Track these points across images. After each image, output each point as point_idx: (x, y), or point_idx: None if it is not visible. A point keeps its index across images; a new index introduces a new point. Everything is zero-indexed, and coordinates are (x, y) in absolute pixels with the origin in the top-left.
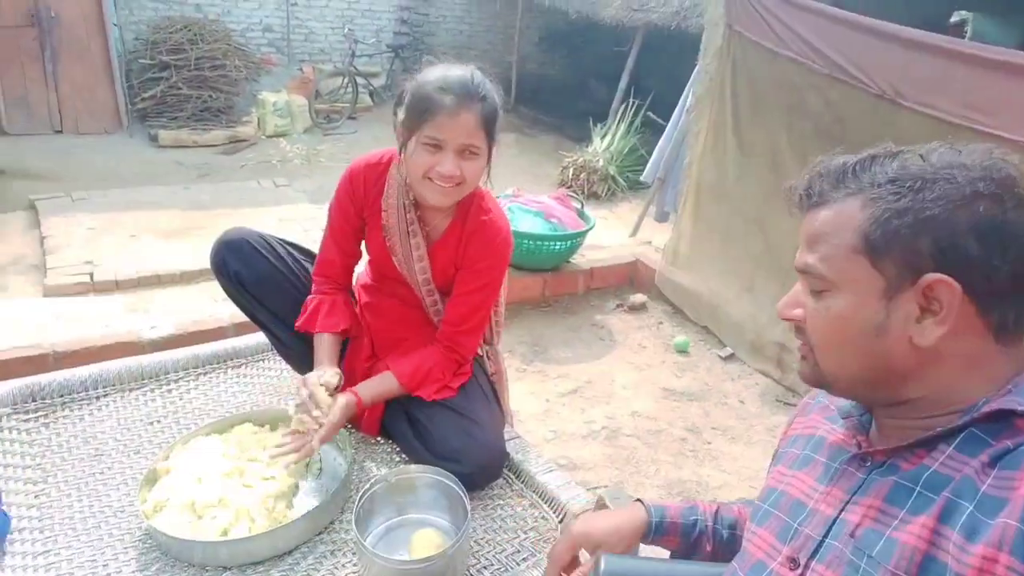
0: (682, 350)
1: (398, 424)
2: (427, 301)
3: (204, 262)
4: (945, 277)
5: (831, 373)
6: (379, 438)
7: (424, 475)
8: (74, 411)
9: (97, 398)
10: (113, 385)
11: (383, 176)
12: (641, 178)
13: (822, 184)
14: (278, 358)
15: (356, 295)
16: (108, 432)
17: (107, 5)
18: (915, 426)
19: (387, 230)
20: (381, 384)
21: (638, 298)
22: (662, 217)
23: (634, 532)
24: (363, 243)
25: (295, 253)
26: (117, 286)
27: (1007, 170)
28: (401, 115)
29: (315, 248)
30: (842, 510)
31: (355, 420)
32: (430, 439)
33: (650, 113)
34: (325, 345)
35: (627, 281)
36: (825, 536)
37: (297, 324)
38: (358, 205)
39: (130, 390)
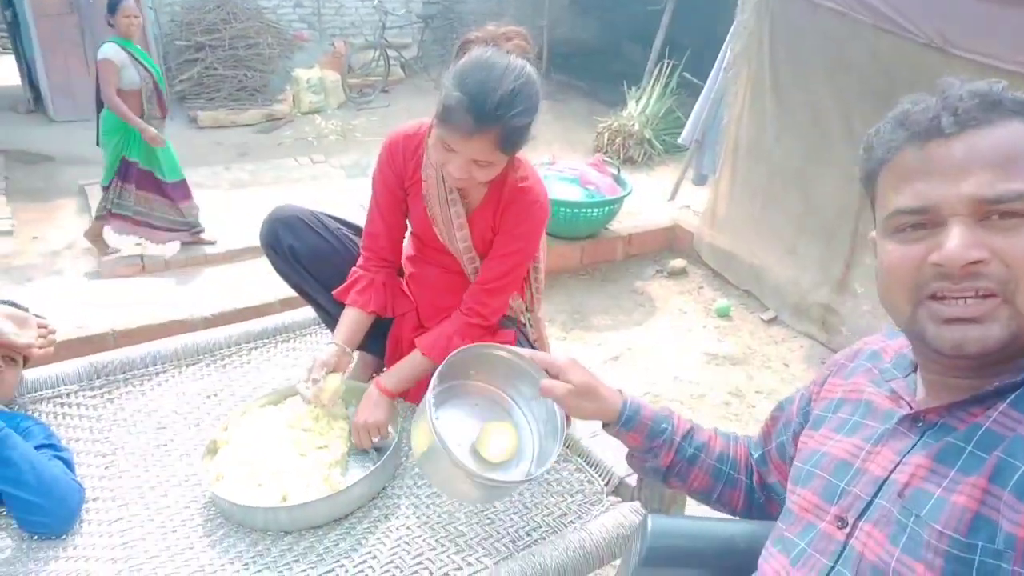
0: (724, 314)
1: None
2: (468, 269)
3: (248, 240)
4: None
5: None
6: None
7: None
8: (136, 387)
9: (157, 374)
10: (171, 361)
11: (420, 146)
12: (679, 141)
13: (969, 106)
14: (325, 332)
15: (403, 267)
16: (169, 406)
17: None
18: (966, 386)
19: (427, 199)
20: (408, 365)
21: (678, 263)
22: (700, 180)
23: (606, 410)
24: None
25: (344, 228)
26: (167, 266)
27: None
28: (440, 94)
29: (363, 222)
30: (892, 471)
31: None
32: None
33: (686, 74)
34: (347, 320)
35: (666, 246)
36: (875, 496)
37: (335, 292)
38: (399, 176)
39: (187, 366)
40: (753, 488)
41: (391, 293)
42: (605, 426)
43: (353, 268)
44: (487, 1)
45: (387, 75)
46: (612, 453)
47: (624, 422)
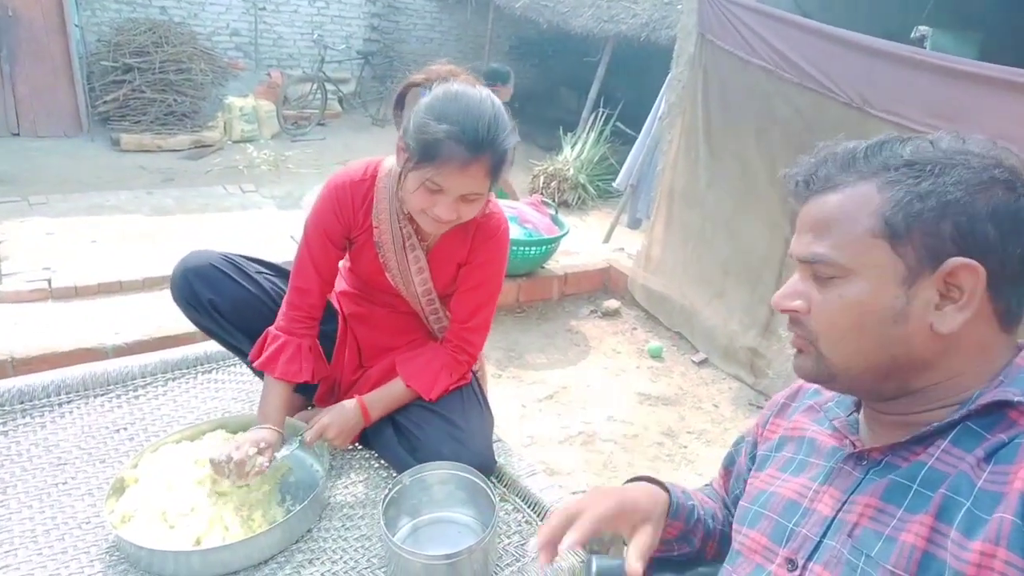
0: (656, 355)
1: (381, 431)
2: (426, 310)
3: (168, 268)
4: (971, 261)
5: (839, 364)
6: (356, 445)
7: (441, 471)
8: (35, 419)
9: (59, 405)
10: (76, 391)
11: (370, 191)
12: (614, 184)
13: (828, 168)
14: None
15: (336, 304)
16: (71, 440)
17: (68, 5)
18: (907, 422)
19: (380, 246)
20: (389, 394)
21: (612, 304)
22: (635, 224)
23: (664, 510)
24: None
25: (263, 270)
26: (77, 292)
27: (1012, 159)
28: (407, 138)
29: (276, 259)
30: (839, 510)
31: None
32: (418, 446)
33: (619, 123)
34: (275, 396)
35: (601, 287)
36: (823, 536)
37: (255, 361)
38: (345, 224)
39: (95, 396)
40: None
41: (316, 357)
42: None
43: (270, 328)
44: (427, 42)
45: (324, 108)
46: (550, 492)
47: (674, 512)
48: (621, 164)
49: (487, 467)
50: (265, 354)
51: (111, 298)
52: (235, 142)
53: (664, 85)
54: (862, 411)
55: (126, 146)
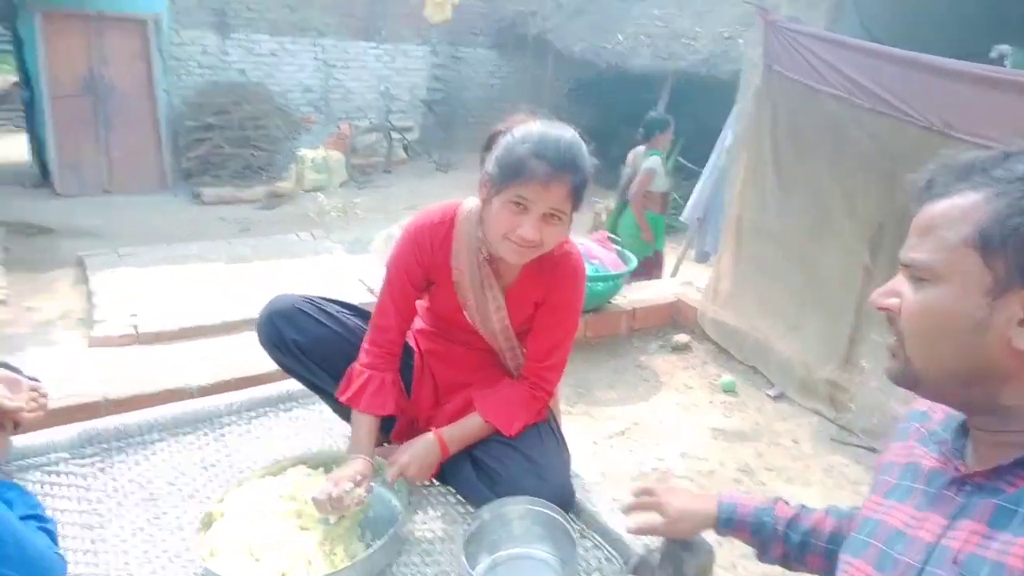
0: (729, 390)
1: (459, 466)
2: (503, 347)
3: (246, 312)
4: None
5: (920, 367)
6: (432, 480)
7: (520, 507)
8: (129, 456)
9: (152, 443)
10: (167, 429)
11: (449, 233)
12: (680, 218)
13: (947, 177)
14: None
15: (413, 342)
16: (163, 477)
17: (157, 73)
18: (1010, 442)
19: (459, 286)
20: (467, 428)
21: (681, 338)
22: (702, 257)
23: (703, 521)
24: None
25: (343, 310)
26: (160, 337)
27: None
28: (490, 168)
29: (359, 300)
30: (942, 536)
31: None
32: (498, 480)
33: (680, 158)
34: (364, 429)
35: (669, 321)
36: (926, 563)
37: (340, 396)
38: (425, 266)
39: (184, 434)
40: None
41: (398, 391)
42: (717, 531)
43: (354, 365)
44: (488, 88)
45: (390, 156)
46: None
47: (723, 524)
48: (684, 199)
49: (566, 502)
50: (351, 389)
51: (193, 341)
52: (306, 191)
53: (729, 118)
54: (969, 435)
55: (207, 199)
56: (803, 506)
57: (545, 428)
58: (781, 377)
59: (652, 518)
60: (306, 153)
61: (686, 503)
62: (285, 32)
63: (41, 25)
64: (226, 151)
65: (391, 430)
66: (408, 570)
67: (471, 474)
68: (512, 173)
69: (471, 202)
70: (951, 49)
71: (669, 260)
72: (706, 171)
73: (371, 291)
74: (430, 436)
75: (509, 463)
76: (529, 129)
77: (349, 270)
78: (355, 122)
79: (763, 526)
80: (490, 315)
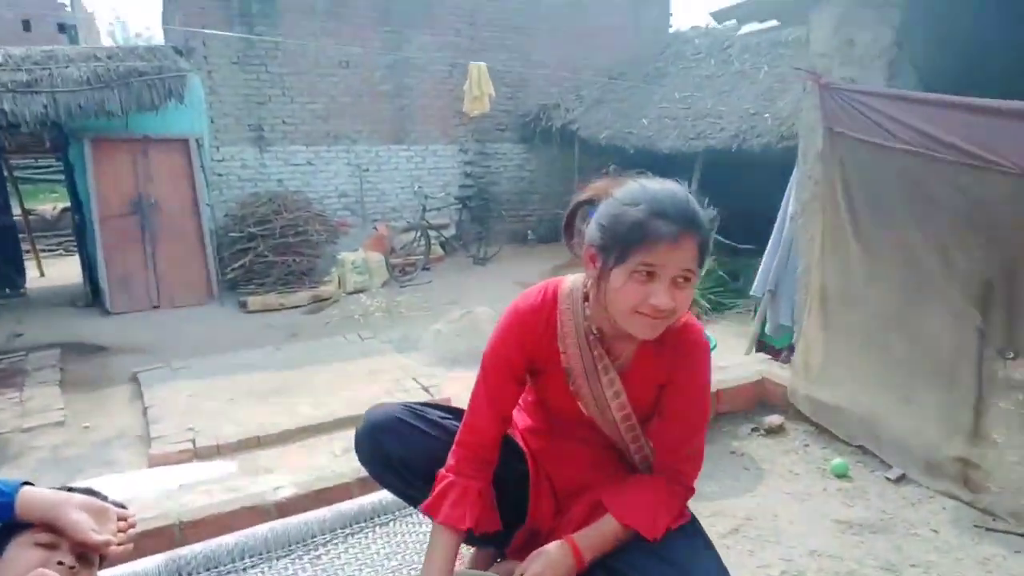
0: (841, 474)
1: None
2: (627, 439)
3: (302, 419)
4: None
5: None
6: None
7: None
8: None
9: (244, 570)
10: (259, 554)
11: (552, 315)
12: (751, 292)
13: None
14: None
15: (523, 443)
16: None
17: (200, 189)
18: None
19: (570, 373)
20: (601, 531)
21: (774, 419)
22: (777, 331)
23: None
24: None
25: (446, 415)
26: (219, 451)
27: None
28: (597, 239)
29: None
30: None
31: None
32: None
33: (718, 235)
34: (441, 547)
35: (757, 402)
36: None
37: (423, 506)
38: (530, 355)
39: (278, 558)
40: None
41: (486, 505)
42: None
43: (440, 471)
44: (519, 181)
45: (428, 253)
46: None
47: None
48: (729, 274)
49: None
50: (431, 497)
51: (251, 453)
52: (349, 293)
53: (789, 186)
54: None
55: (252, 307)
56: None
57: (691, 531)
58: (898, 457)
59: None
60: (346, 256)
61: None
62: (319, 142)
63: (90, 151)
64: (269, 259)
65: (507, 544)
66: None
67: None
68: (632, 239)
69: (570, 280)
70: (1014, 97)
71: (729, 337)
72: (772, 240)
73: (425, 390)
74: (559, 545)
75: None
76: (636, 191)
77: (401, 369)
78: (391, 223)
79: None
80: (607, 402)
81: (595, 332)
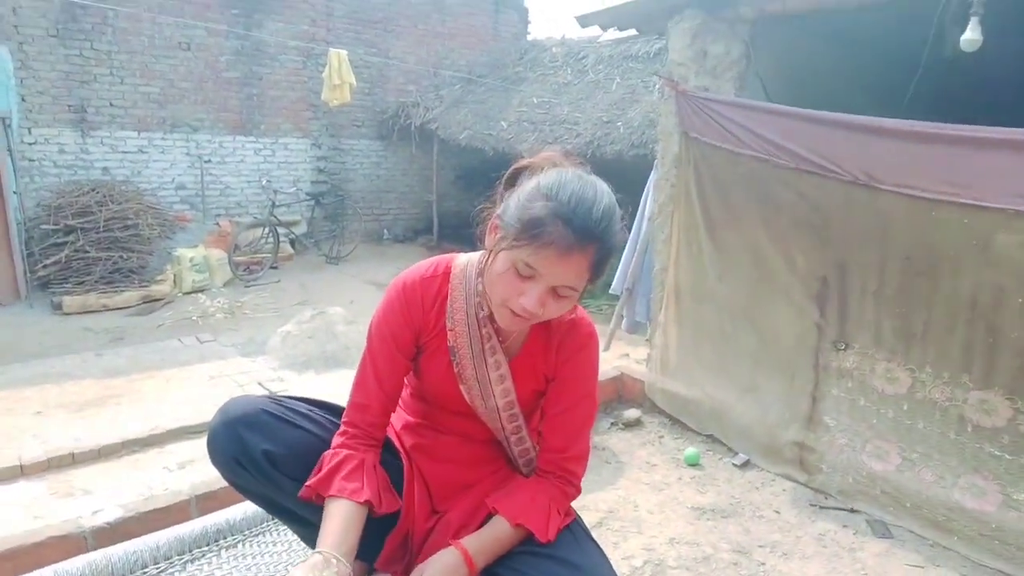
0: (694, 463)
1: None
2: (507, 430)
3: (126, 433)
4: None
5: None
6: None
7: None
8: None
9: None
10: None
11: (443, 288)
12: (610, 290)
13: None
14: (283, 528)
15: (396, 441)
16: None
17: (6, 174)
18: None
19: (455, 352)
20: (492, 535)
21: (632, 413)
22: (634, 328)
23: None
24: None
25: (316, 409)
26: (23, 471)
27: None
28: (505, 214)
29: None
30: None
31: None
32: None
33: None
34: (336, 518)
35: (615, 397)
36: None
37: (305, 486)
38: (415, 328)
39: None
40: None
41: (383, 483)
42: None
43: (326, 452)
44: (375, 179)
45: (276, 251)
46: None
47: None
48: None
49: None
50: (319, 475)
51: (63, 473)
52: (186, 293)
53: (647, 187)
54: None
55: (69, 309)
56: None
57: (577, 530)
58: (743, 444)
59: None
60: (184, 252)
61: None
62: (154, 128)
63: None
64: (90, 255)
65: (375, 555)
66: None
67: None
68: (526, 233)
69: (465, 256)
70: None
71: (600, 332)
72: (629, 241)
73: (272, 398)
74: (450, 551)
75: None
76: (561, 181)
77: (246, 374)
78: (236, 218)
79: None
80: (491, 387)
81: (485, 311)
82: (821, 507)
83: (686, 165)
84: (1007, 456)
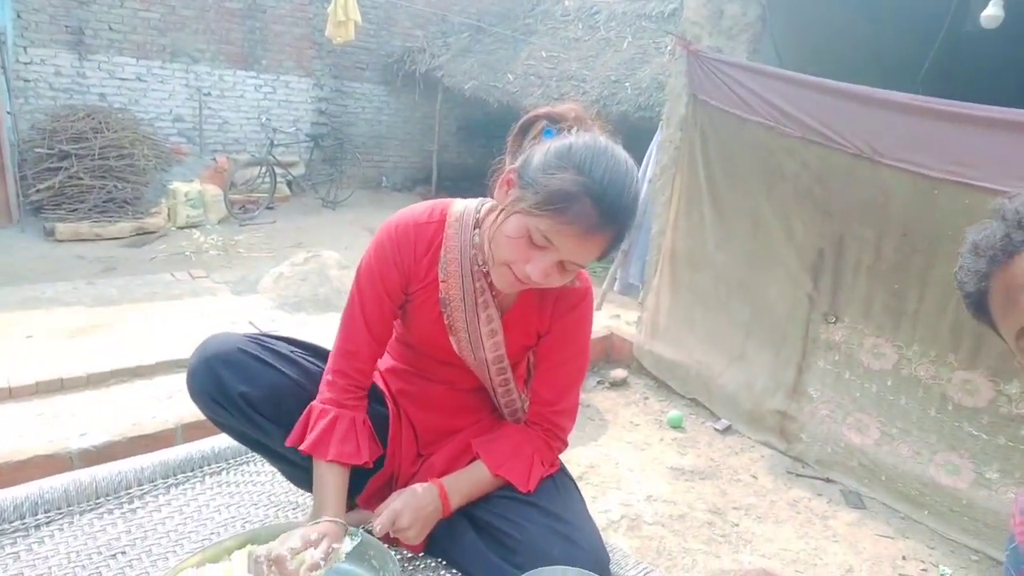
0: (677, 426)
1: (457, 531)
2: (495, 382)
3: (115, 362)
4: None
5: None
6: (422, 555)
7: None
8: (5, 549)
9: (37, 527)
10: (58, 508)
11: (437, 237)
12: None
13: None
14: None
15: (382, 384)
16: (57, 571)
17: (0, 95)
18: None
19: (446, 304)
20: (471, 477)
21: (619, 373)
22: (626, 290)
23: None
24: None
25: (299, 351)
26: (11, 394)
27: None
28: (525, 172)
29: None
30: None
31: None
32: (518, 548)
33: None
34: (333, 484)
35: (603, 356)
36: None
37: (299, 445)
38: (405, 274)
39: (81, 513)
40: None
41: (372, 439)
42: None
43: (314, 403)
44: (376, 124)
45: (273, 192)
46: None
47: None
48: None
49: (604, 569)
50: (312, 434)
51: (51, 398)
52: (180, 228)
53: (650, 148)
54: None
55: (61, 236)
56: None
57: (561, 480)
58: (727, 410)
59: None
60: (179, 186)
61: None
62: (153, 56)
63: None
64: (84, 182)
65: (358, 492)
66: None
67: (476, 541)
68: (551, 203)
69: (462, 203)
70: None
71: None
72: None
73: (252, 337)
74: (427, 484)
75: (528, 526)
76: (595, 153)
77: (238, 312)
78: (233, 155)
79: None
80: (482, 341)
81: (480, 264)
82: (798, 475)
83: (692, 128)
84: (984, 436)
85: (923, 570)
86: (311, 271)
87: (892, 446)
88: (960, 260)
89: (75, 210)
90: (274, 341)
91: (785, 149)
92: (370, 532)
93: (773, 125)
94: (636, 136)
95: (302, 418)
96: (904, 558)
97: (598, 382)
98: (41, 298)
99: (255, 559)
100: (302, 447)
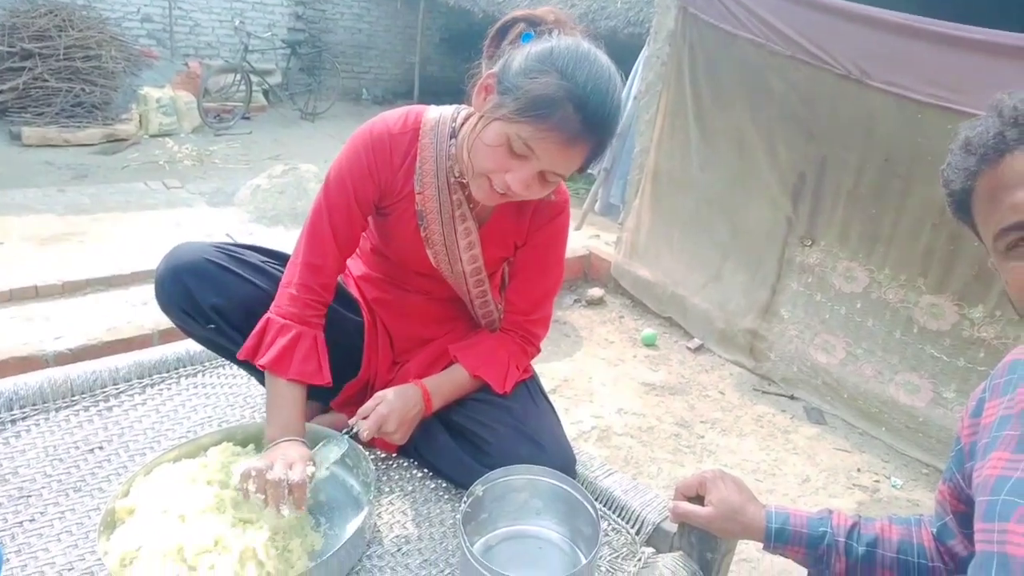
0: (650, 343)
1: (431, 433)
2: (472, 293)
3: (90, 270)
4: None
5: None
6: (395, 455)
7: (522, 478)
8: None
9: (12, 423)
10: (33, 405)
11: (412, 147)
12: (588, 170)
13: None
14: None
15: (356, 292)
16: (33, 466)
17: None
18: None
19: (422, 216)
20: (451, 379)
21: (596, 292)
22: (607, 210)
23: (746, 529)
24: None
25: (270, 260)
26: None
27: None
28: (504, 77)
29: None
30: None
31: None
32: (488, 449)
33: None
34: (292, 402)
35: (581, 275)
36: None
37: (257, 359)
38: (379, 184)
39: (56, 410)
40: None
41: (327, 356)
42: (765, 547)
43: (270, 316)
44: (356, 33)
45: (249, 101)
46: (635, 495)
47: (775, 537)
48: None
49: (569, 469)
50: (272, 350)
51: (25, 305)
52: (153, 136)
53: (636, 64)
54: None
55: (28, 140)
56: (860, 516)
57: (533, 387)
58: (700, 329)
59: (696, 508)
60: (150, 92)
61: (735, 501)
62: None
63: None
64: (51, 84)
65: (330, 398)
66: (384, 562)
67: (450, 442)
68: (532, 108)
69: (436, 111)
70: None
71: (573, 214)
72: None
73: (219, 246)
74: (411, 384)
75: (499, 427)
76: (577, 58)
77: (214, 224)
78: (206, 60)
79: (820, 538)
80: (459, 253)
81: (457, 175)
82: (764, 392)
83: (681, 43)
84: (945, 358)
85: (876, 481)
86: (289, 184)
87: (856, 366)
88: (949, 157)
89: (41, 114)
90: (243, 251)
91: (773, 68)
92: (352, 436)
93: (763, 42)
94: (625, 53)
95: (256, 331)
96: (859, 470)
97: (575, 300)
98: (10, 204)
99: (268, 481)
100: (261, 362)
